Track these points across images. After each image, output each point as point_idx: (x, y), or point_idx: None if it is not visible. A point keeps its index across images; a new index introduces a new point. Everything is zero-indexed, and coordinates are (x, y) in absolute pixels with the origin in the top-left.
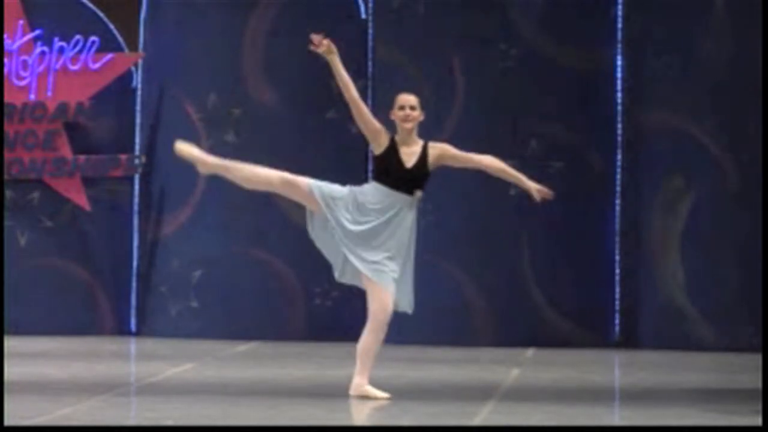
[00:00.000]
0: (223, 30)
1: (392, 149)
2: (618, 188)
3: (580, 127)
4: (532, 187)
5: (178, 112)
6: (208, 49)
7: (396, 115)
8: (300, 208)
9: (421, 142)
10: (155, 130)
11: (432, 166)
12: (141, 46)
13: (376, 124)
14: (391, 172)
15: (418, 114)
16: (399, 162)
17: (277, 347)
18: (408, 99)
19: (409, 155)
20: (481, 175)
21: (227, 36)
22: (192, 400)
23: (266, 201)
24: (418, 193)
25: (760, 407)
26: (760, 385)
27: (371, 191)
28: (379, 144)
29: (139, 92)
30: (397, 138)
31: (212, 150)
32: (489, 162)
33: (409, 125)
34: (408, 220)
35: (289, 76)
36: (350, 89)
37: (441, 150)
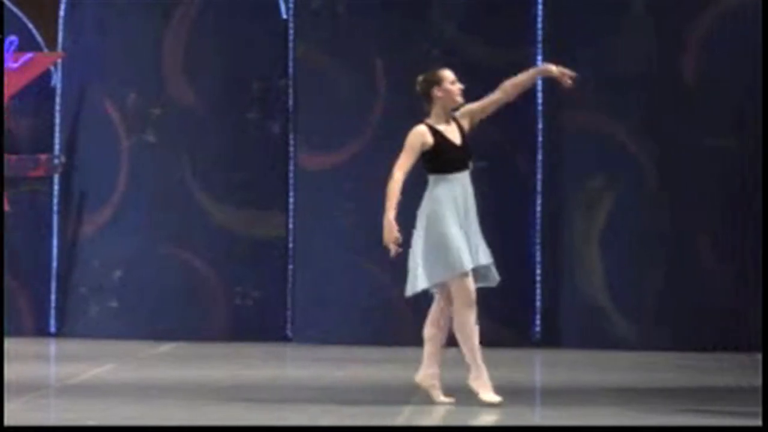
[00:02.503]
0: (144, 30)
1: (439, 135)
2: (539, 188)
3: (502, 127)
4: (555, 71)
5: (98, 111)
6: (128, 48)
7: (449, 90)
8: (221, 210)
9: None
10: (75, 129)
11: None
12: (60, 45)
13: (417, 145)
14: (449, 158)
15: None
16: (451, 144)
17: (199, 347)
18: (453, 75)
19: (452, 133)
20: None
21: (147, 36)
22: (113, 401)
23: (187, 201)
24: (471, 165)
25: (682, 407)
26: (679, 383)
27: (443, 191)
28: (427, 143)
29: (58, 92)
30: (433, 121)
31: (131, 150)
32: (503, 90)
33: (461, 99)
34: (471, 195)
35: (209, 76)
36: None
37: (464, 113)
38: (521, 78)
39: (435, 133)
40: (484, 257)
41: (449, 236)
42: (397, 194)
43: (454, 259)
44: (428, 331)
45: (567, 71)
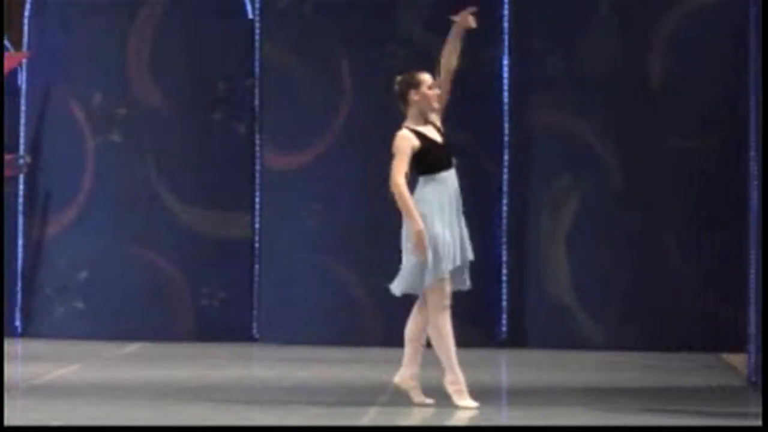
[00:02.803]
0: (109, 30)
1: (422, 137)
2: (505, 188)
3: (468, 127)
4: (462, 18)
5: (63, 111)
6: (93, 48)
7: (426, 95)
8: (187, 210)
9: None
10: (40, 130)
11: None
12: (25, 45)
13: (408, 149)
14: (435, 157)
15: None
16: (434, 143)
17: (165, 348)
18: (431, 79)
19: (432, 132)
20: (370, 176)
21: (113, 36)
22: (78, 401)
23: (153, 201)
24: (455, 161)
25: (647, 406)
26: (645, 383)
27: (431, 191)
28: (415, 146)
29: (23, 92)
30: (412, 124)
31: (96, 150)
32: (443, 68)
33: (438, 105)
34: (458, 192)
35: (175, 76)
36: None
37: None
38: (448, 47)
39: (418, 135)
40: (471, 253)
41: (435, 239)
42: (412, 200)
43: (436, 263)
44: (409, 331)
45: (468, 8)
